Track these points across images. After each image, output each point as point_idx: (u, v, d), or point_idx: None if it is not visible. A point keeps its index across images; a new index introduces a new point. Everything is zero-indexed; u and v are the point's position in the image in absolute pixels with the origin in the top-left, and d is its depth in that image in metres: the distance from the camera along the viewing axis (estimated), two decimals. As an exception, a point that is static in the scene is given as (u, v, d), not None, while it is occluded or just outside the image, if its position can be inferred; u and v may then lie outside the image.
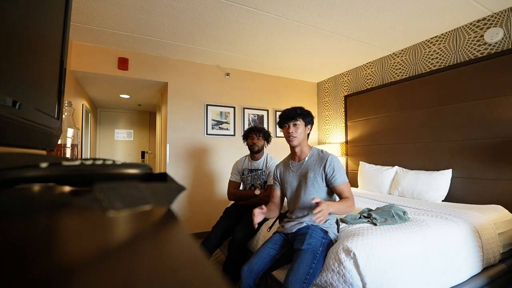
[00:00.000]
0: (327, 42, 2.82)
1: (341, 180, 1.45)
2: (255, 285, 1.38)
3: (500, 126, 2.13)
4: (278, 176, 1.67)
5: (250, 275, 1.38)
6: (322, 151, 1.55)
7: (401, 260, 1.32)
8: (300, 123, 1.52)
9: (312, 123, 1.58)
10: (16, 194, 0.23)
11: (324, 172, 1.47)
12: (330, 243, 1.42)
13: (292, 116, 1.51)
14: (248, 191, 2.14)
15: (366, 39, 2.74)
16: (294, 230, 1.50)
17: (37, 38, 0.45)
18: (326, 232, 1.43)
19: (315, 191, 1.49)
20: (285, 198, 1.67)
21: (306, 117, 1.54)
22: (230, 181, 2.26)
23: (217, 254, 2.63)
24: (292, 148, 1.58)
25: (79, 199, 0.23)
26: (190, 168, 3.24)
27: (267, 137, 2.20)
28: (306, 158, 1.55)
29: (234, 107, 3.53)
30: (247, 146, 2.22)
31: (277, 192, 1.67)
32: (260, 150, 2.17)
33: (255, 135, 2.14)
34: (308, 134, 1.59)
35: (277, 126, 1.62)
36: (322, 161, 1.48)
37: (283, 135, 1.62)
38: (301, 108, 1.55)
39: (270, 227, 1.76)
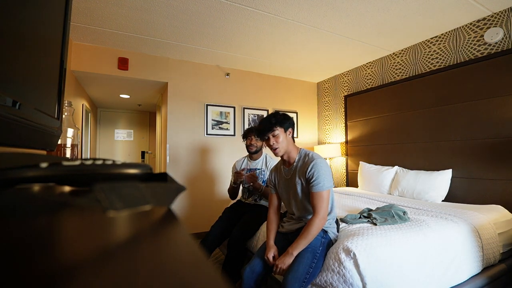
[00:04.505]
0: (327, 42, 2.82)
1: (317, 188, 1.35)
2: (256, 286, 1.38)
3: (500, 126, 2.13)
4: (273, 180, 1.64)
5: (252, 276, 1.38)
6: (308, 154, 1.47)
7: (401, 260, 1.32)
8: (279, 131, 1.45)
9: (292, 126, 1.51)
10: (16, 194, 0.23)
11: (306, 178, 1.41)
12: (330, 242, 1.42)
13: (269, 128, 1.45)
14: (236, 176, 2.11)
15: (366, 39, 2.74)
16: (293, 230, 1.50)
17: (37, 38, 0.45)
18: (325, 231, 1.43)
19: (305, 196, 1.46)
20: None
21: (283, 122, 1.47)
22: (231, 181, 2.27)
23: (217, 254, 2.63)
24: (280, 156, 1.53)
25: (79, 199, 0.23)
26: (190, 168, 3.24)
27: None
28: (295, 163, 1.50)
29: (234, 107, 3.53)
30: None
31: (274, 196, 1.64)
32: (258, 151, 2.18)
33: (253, 136, 2.15)
34: (293, 137, 1.53)
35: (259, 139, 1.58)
36: (306, 166, 1.42)
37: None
38: (275, 115, 1.48)
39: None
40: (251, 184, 2.00)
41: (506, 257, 1.82)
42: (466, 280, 1.54)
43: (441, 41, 2.61)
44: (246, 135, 2.21)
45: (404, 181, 2.58)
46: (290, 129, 1.50)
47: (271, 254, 1.41)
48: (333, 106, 3.93)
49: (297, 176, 1.46)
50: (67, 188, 0.31)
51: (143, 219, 0.24)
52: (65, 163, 0.24)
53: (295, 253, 1.31)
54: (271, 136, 1.46)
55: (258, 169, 2.18)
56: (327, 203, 1.38)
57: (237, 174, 2.04)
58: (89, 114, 4.05)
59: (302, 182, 1.44)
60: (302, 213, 1.50)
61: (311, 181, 1.38)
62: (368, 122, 3.30)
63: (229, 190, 2.24)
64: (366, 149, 3.31)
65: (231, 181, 2.25)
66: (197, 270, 0.15)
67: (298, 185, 1.46)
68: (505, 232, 1.82)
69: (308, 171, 1.39)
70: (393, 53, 3.08)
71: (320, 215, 1.34)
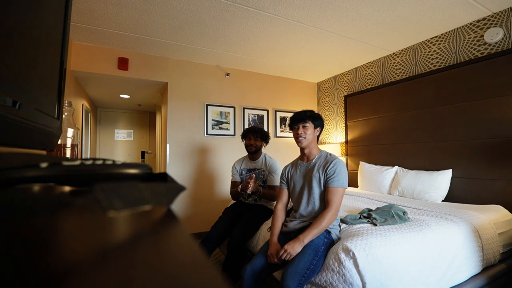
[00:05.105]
0: (327, 42, 2.82)
1: (336, 184, 1.45)
2: (256, 285, 1.38)
3: (500, 126, 2.13)
4: (286, 175, 1.69)
5: (253, 276, 1.38)
6: (330, 154, 1.57)
7: (401, 260, 1.32)
8: (309, 125, 1.56)
9: (321, 126, 1.62)
10: (16, 194, 0.23)
11: (326, 173, 1.48)
12: (332, 243, 1.43)
13: (302, 118, 1.56)
14: (244, 184, 2.08)
15: (366, 39, 2.74)
16: (297, 229, 1.51)
17: (37, 38, 0.45)
18: (329, 232, 1.44)
19: (319, 192, 1.50)
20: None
21: (316, 120, 1.58)
22: (232, 182, 2.27)
23: (217, 254, 2.63)
24: (302, 149, 1.61)
25: (79, 199, 0.23)
26: (190, 168, 3.24)
27: (264, 138, 2.21)
28: (314, 159, 1.57)
29: (234, 107, 3.53)
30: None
31: (284, 192, 1.69)
32: (258, 151, 2.18)
33: (253, 136, 2.15)
34: (318, 137, 1.63)
35: (288, 127, 1.68)
36: (327, 163, 1.51)
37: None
38: (311, 111, 1.60)
39: (270, 228, 1.76)
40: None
41: (506, 257, 1.82)
42: (466, 280, 1.54)
43: (441, 41, 2.61)
44: (245, 135, 2.20)
45: (404, 181, 2.58)
46: (318, 128, 1.61)
47: (274, 252, 1.43)
48: (333, 106, 3.93)
49: (315, 170, 1.53)
50: (67, 188, 0.31)
51: (143, 219, 0.24)
52: (65, 163, 0.24)
53: (306, 240, 1.36)
54: (301, 126, 1.56)
55: (258, 169, 2.18)
56: (341, 201, 1.46)
57: (246, 184, 1.98)
58: (89, 114, 4.05)
59: (320, 176, 1.51)
60: (310, 209, 1.52)
61: (331, 176, 1.46)
62: (368, 122, 3.30)
63: (233, 193, 2.21)
64: (366, 149, 3.31)
65: (232, 180, 2.25)
66: (197, 270, 0.15)
67: (315, 179, 1.51)
68: (505, 232, 1.82)
69: (329, 167, 1.48)
70: (393, 53, 3.08)
71: (333, 210, 1.41)
